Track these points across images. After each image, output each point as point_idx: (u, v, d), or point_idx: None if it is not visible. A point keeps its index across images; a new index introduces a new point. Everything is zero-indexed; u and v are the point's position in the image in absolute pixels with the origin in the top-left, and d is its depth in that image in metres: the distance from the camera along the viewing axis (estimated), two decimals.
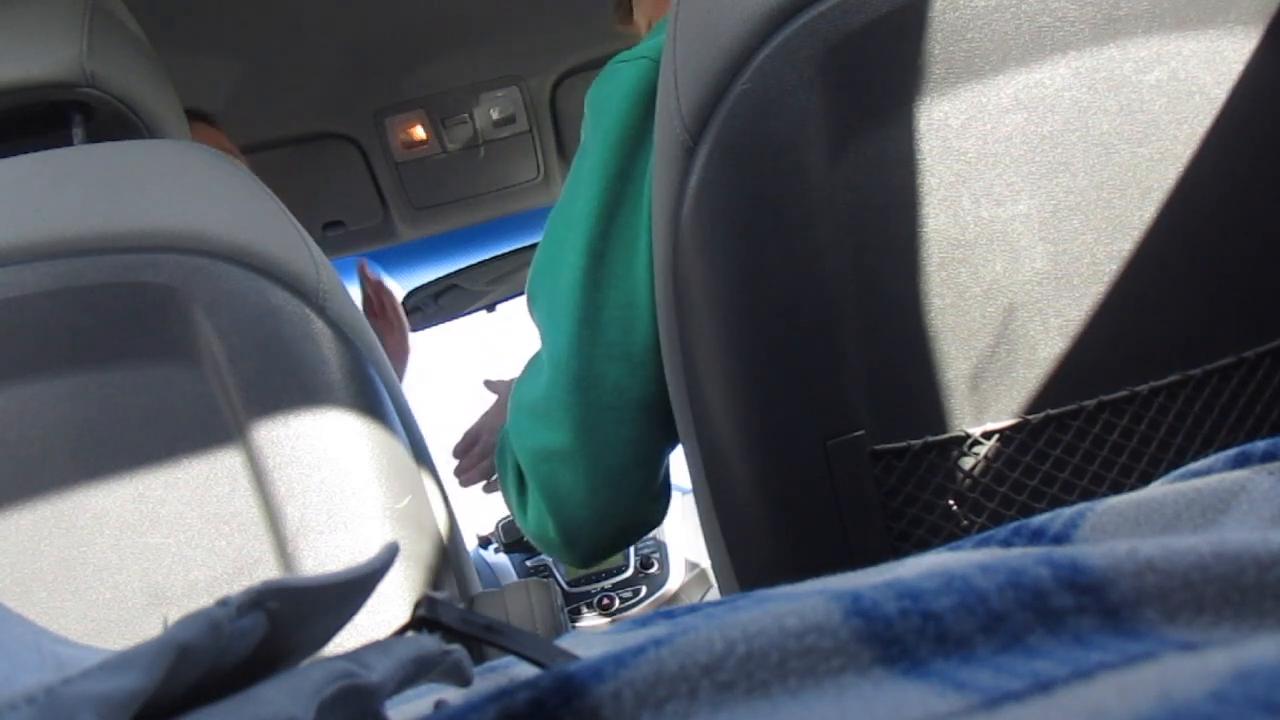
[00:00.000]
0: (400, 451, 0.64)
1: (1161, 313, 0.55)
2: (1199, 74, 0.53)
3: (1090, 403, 0.55)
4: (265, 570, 0.57)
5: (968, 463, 0.56)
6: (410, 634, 0.24)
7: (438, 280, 1.70)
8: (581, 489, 0.69)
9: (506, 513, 1.68)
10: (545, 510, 0.72)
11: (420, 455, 0.69)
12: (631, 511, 0.71)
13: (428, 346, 1.79)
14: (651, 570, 1.59)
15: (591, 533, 0.71)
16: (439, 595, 0.24)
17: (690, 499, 0.72)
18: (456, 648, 0.23)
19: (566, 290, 0.67)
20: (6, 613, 0.24)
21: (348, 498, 0.59)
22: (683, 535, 1.65)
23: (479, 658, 0.32)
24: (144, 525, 0.56)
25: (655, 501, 0.74)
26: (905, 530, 0.57)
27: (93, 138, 0.70)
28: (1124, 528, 0.25)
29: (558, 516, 0.71)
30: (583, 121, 0.69)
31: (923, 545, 0.56)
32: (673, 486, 0.77)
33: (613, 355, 0.67)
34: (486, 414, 1.03)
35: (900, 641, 0.18)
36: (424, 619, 0.24)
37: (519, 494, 0.76)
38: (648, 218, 0.64)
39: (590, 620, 1.57)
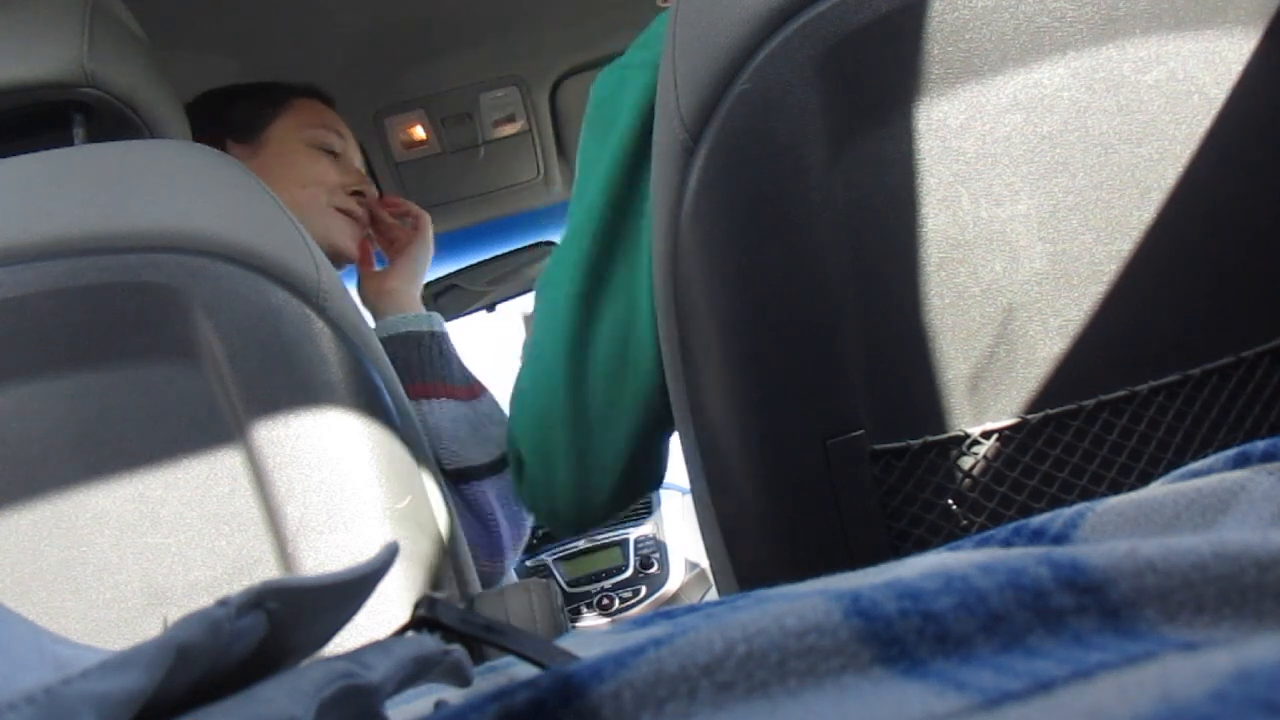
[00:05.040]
0: (400, 451, 0.64)
1: (1161, 312, 0.55)
2: (1198, 74, 0.53)
3: (1089, 402, 0.55)
4: (265, 570, 0.57)
5: (967, 462, 0.56)
6: (410, 634, 0.24)
7: (438, 280, 1.70)
8: (569, 481, 0.71)
9: None
10: (538, 493, 0.74)
11: (420, 455, 0.69)
12: (619, 489, 0.72)
13: None
14: (651, 570, 1.59)
15: (579, 513, 0.73)
16: (439, 595, 0.24)
17: (690, 499, 0.72)
18: (456, 648, 0.23)
19: (563, 308, 0.67)
20: (6, 613, 0.24)
21: (348, 498, 0.59)
22: (683, 535, 1.65)
23: (479, 658, 0.32)
24: (144, 525, 0.56)
25: (644, 480, 0.74)
26: (905, 530, 0.57)
27: (93, 138, 0.70)
28: (1124, 528, 0.25)
29: (547, 499, 0.73)
30: (585, 117, 0.68)
31: (922, 545, 0.56)
32: (666, 483, 0.77)
33: (602, 373, 0.67)
34: None
35: (900, 641, 0.18)
36: (424, 619, 0.24)
37: (518, 474, 0.77)
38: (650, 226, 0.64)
39: (590, 620, 1.56)
